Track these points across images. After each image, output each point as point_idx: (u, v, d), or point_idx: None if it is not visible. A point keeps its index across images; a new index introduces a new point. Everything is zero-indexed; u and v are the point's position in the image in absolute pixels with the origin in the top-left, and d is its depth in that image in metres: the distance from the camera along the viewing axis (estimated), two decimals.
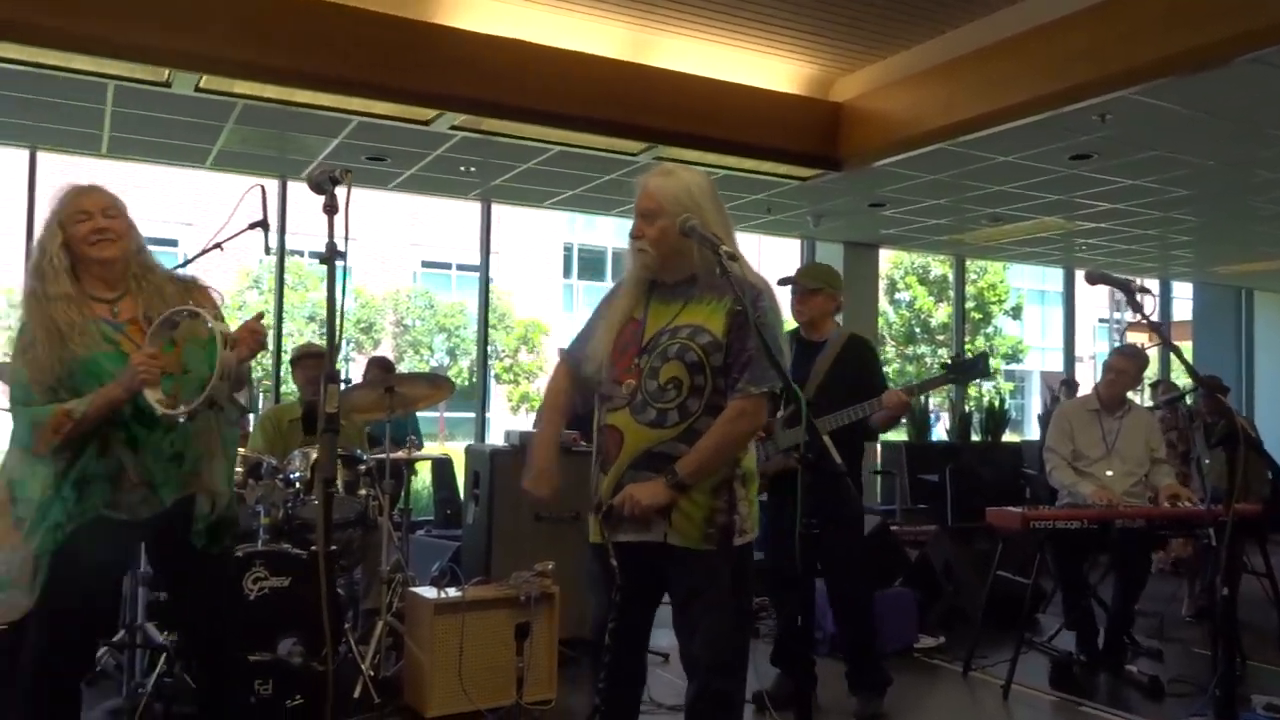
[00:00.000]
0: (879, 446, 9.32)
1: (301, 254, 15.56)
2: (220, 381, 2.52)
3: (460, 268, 23.20)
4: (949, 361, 3.97)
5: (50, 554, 2.51)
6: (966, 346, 15.02)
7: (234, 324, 2.68)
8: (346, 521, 4.23)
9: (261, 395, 7.83)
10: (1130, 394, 4.98)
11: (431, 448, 7.18)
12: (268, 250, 3.92)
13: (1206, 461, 5.60)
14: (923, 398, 9.99)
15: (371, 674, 3.86)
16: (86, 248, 2.58)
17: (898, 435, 10.66)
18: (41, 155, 6.87)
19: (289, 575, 3.68)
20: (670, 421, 2.42)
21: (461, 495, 6.78)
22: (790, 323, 3.50)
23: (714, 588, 2.42)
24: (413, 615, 4.04)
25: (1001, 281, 22.96)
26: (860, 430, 3.85)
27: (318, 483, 2.97)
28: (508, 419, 19.31)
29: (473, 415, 10.23)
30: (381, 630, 4.04)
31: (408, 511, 4.97)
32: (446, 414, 18.97)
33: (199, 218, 18.31)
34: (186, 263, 2.97)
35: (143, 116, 5.81)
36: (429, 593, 4.03)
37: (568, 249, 25.57)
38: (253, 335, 2.63)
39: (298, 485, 4.03)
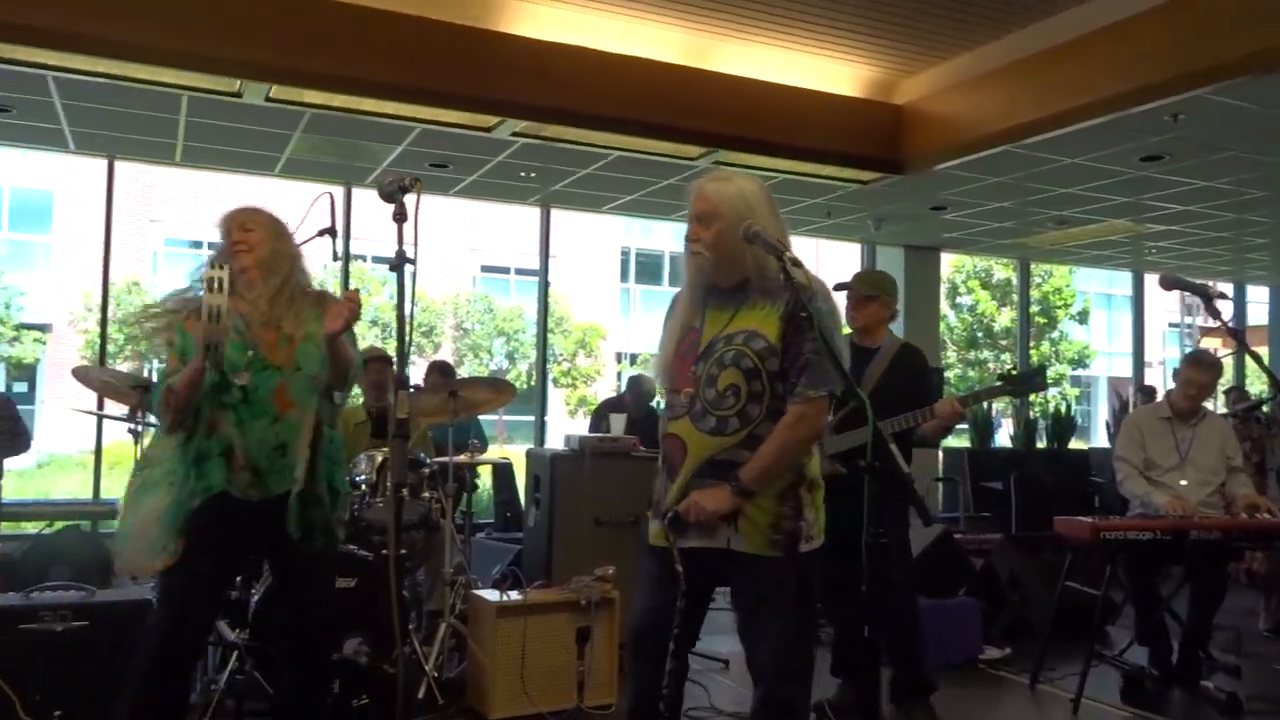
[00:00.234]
0: (940, 453, 9.20)
1: (364, 259, 15.83)
2: (210, 328, 2.57)
3: (519, 272, 23.38)
4: (1006, 373, 3.91)
5: (178, 525, 2.76)
6: (1031, 352, 14.73)
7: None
8: (410, 524, 4.29)
9: None
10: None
11: (491, 451, 7.26)
12: (335, 256, 3.99)
13: None
14: (984, 404, 9.84)
15: (435, 675, 3.91)
16: (231, 256, 2.88)
17: (960, 442, 10.51)
18: (118, 164, 7.09)
19: (355, 576, 3.75)
20: (731, 429, 2.42)
21: (521, 499, 6.84)
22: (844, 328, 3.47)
23: (780, 594, 2.40)
24: (475, 617, 4.08)
25: (1067, 285, 22.43)
26: (909, 438, 3.82)
27: (389, 487, 3.06)
28: (565, 423, 19.40)
29: (530, 419, 10.32)
30: (445, 632, 4.09)
31: (470, 514, 5.03)
32: (505, 417, 19.14)
33: None
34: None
35: (215, 126, 5.97)
36: (491, 595, 4.07)
37: (625, 253, 25.63)
38: (348, 303, 2.72)
39: (364, 488, 4.10)
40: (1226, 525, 4.30)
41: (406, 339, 2.31)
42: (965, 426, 9.81)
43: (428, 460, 4.45)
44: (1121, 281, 14.36)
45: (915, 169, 6.54)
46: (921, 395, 3.82)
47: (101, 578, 4.94)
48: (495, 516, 7.60)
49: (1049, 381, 5.01)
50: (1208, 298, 3.12)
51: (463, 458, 4.54)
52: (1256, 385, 12.61)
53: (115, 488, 7.48)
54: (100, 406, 6.16)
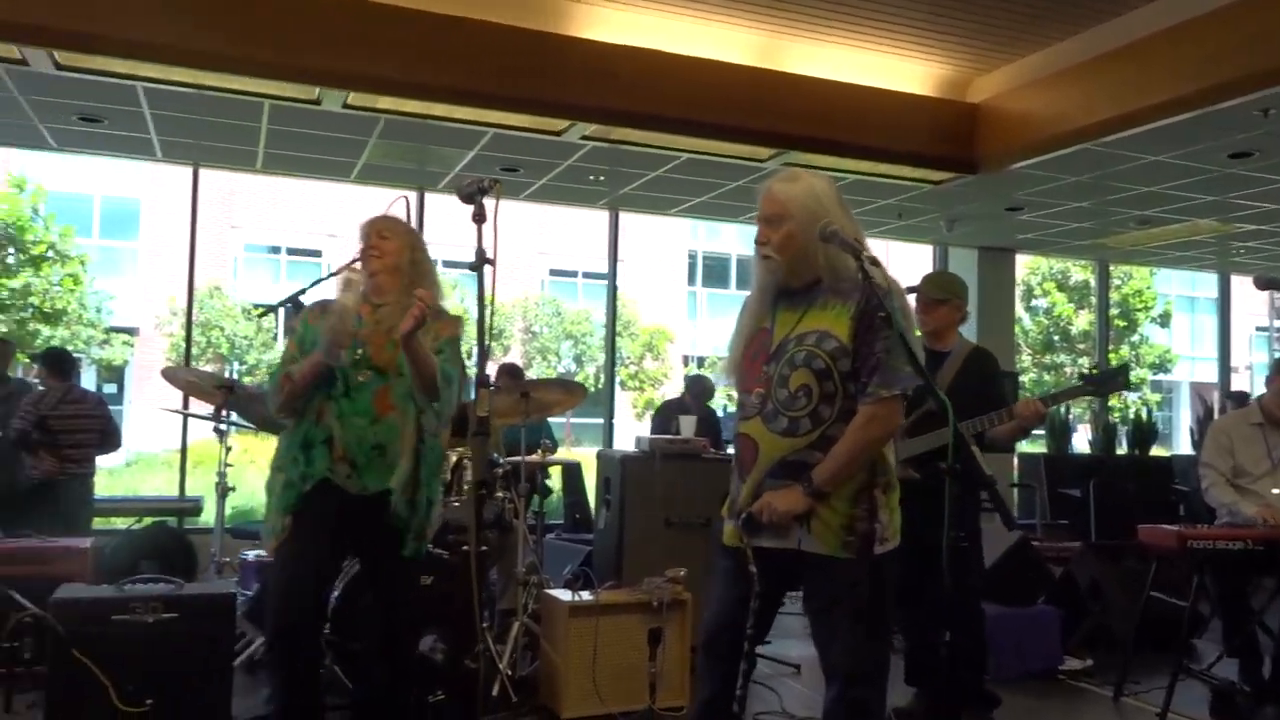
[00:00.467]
0: (1015, 459, 9.00)
1: (436, 263, 16.06)
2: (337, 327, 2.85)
3: (586, 275, 23.55)
4: (1088, 372, 3.82)
5: (289, 509, 2.90)
6: (1110, 355, 14.34)
7: None
8: (486, 523, 4.34)
9: None
10: None
11: (559, 453, 7.33)
12: None
13: None
14: (1062, 408, 9.61)
15: (509, 673, 3.95)
16: (365, 261, 3.05)
17: (1036, 447, 10.28)
18: (203, 172, 7.31)
19: (431, 574, 3.81)
20: (803, 429, 2.41)
21: (590, 500, 6.88)
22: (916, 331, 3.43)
23: (853, 596, 2.38)
24: (548, 617, 4.12)
25: (1149, 287, 21.77)
26: (980, 442, 3.74)
27: (468, 485, 3.12)
28: (633, 425, 19.47)
29: (598, 421, 10.36)
30: (518, 631, 4.13)
31: (542, 514, 5.07)
32: (572, 420, 19.28)
33: (342, 229, 19.15)
34: (331, 275, 3.17)
35: (294, 133, 6.13)
36: (564, 595, 4.11)
37: (692, 256, 25.63)
38: (418, 304, 2.76)
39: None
40: None
41: (486, 338, 2.35)
42: (1041, 432, 9.59)
43: (500, 461, 4.50)
44: (1205, 283, 13.89)
45: (989, 169, 6.42)
46: (994, 398, 3.76)
47: (188, 572, 5.10)
48: (564, 517, 7.66)
49: (1132, 383, 4.88)
50: None
51: (534, 458, 4.58)
52: None
53: (200, 485, 7.73)
54: (186, 406, 6.36)
